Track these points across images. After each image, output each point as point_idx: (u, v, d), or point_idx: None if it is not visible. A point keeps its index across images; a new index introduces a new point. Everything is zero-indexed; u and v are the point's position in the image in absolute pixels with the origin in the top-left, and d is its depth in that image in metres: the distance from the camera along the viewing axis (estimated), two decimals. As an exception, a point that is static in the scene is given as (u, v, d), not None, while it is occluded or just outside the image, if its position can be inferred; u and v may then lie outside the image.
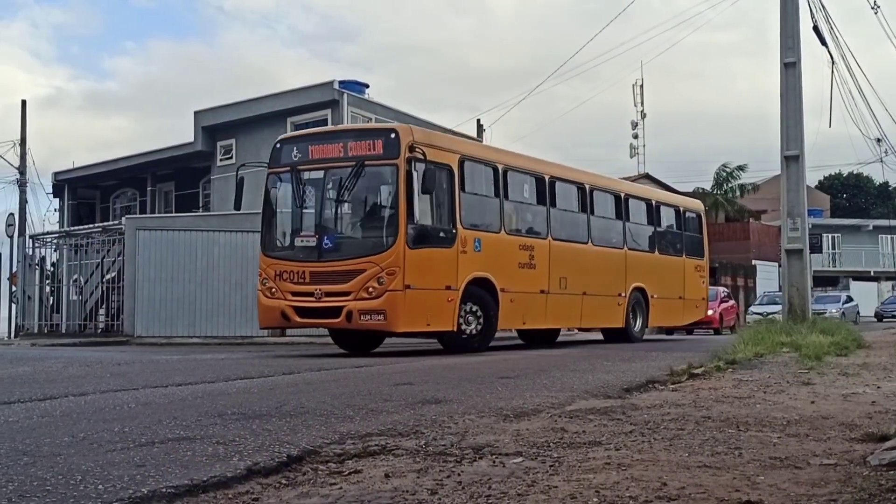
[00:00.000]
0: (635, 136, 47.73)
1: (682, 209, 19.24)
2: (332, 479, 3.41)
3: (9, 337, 25.03)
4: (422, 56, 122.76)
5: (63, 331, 23.00)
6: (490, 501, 3.02)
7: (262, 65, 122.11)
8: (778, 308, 29.12)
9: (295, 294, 11.96)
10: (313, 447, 4.00)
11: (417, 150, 11.75)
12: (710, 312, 24.62)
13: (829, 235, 53.36)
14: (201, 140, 28.98)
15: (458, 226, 12.49)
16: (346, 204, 12.29)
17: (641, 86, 47.86)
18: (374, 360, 11.01)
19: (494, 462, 3.70)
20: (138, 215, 29.22)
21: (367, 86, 28.03)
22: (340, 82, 26.70)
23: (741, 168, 48.31)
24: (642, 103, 47.79)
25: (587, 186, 15.87)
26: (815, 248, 33.68)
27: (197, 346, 17.13)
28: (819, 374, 7.78)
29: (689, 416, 5.07)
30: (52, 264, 24.63)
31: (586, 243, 15.67)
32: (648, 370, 8.59)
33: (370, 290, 11.52)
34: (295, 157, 12.47)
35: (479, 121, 33.62)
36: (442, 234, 12.37)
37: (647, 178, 41.88)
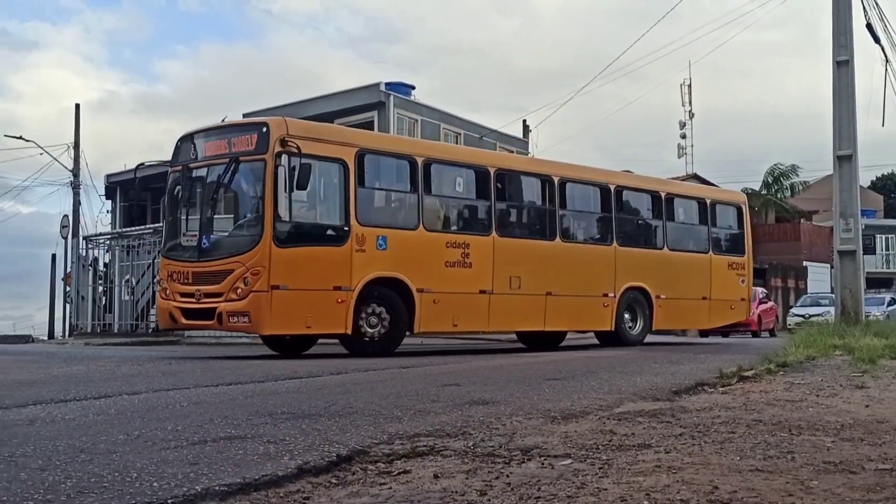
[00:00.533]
0: (683, 137, 47.22)
1: (709, 202, 17.49)
2: (382, 478, 3.44)
3: (63, 336, 25.53)
4: (467, 57, 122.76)
5: (115, 330, 23.36)
6: (539, 503, 3.02)
7: (310, 67, 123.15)
8: (821, 310, 28.70)
9: (182, 295, 11.82)
10: (362, 447, 4.02)
11: (290, 144, 11.26)
12: None
13: (883, 236, 52.34)
14: (250, 142, 29.27)
15: (353, 222, 11.87)
16: (222, 203, 12.02)
17: (689, 85, 47.32)
18: (419, 360, 11.03)
19: (543, 464, 3.69)
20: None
21: (414, 87, 28.13)
22: (387, 84, 26.82)
23: (794, 169, 47.57)
24: (690, 103, 47.26)
25: (555, 179, 14.69)
26: (869, 249, 33.10)
27: (245, 346, 17.30)
28: (873, 377, 7.65)
29: (740, 419, 5.02)
30: (105, 265, 25.03)
31: (552, 240, 14.60)
32: (697, 372, 8.51)
33: (238, 290, 11.22)
34: (190, 155, 12.27)
35: (524, 121, 33.64)
36: (330, 232, 11.91)
37: (696, 178, 41.45)
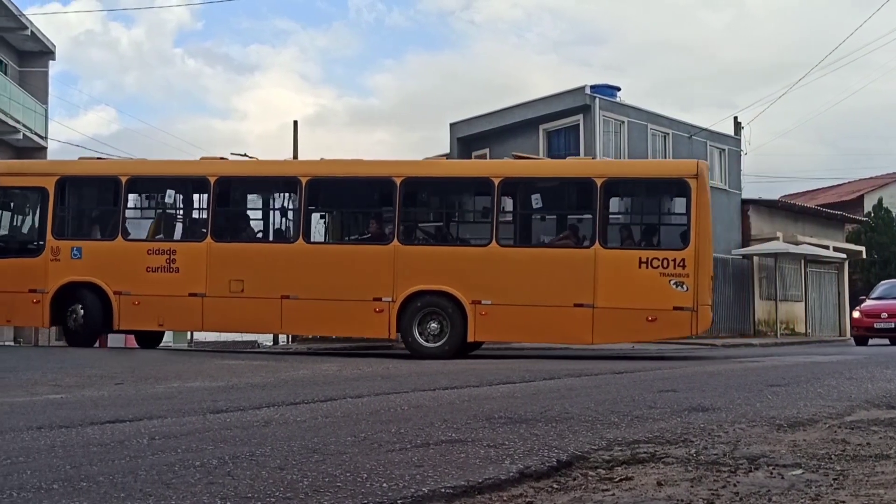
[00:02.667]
0: (912, 126, 44.03)
1: (601, 182, 13.40)
2: (604, 485, 3.42)
3: (287, 342, 26.98)
4: (675, 55, 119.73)
5: (333, 336, 24.42)
6: (771, 514, 2.92)
7: (515, 73, 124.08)
8: None
9: None
10: (581, 453, 4.02)
11: None
12: None
13: None
14: (457, 150, 29.88)
15: (49, 237, 14.69)
16: None
17: (918, 70, 44.09)
18: (633, 364, 10.89)
19: (772, 473, 3.56)
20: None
21: (619, 89, 27.76)
22: (592, 87, 26.62)
23: None
24: (919, 89, 44.00)
25: (302, 180, 14.22)
26: None
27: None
28: None
29: None
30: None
31: (293, 243, 14.34)
32: (937, 379, 7.93)
33: None
34: None
35: (735, 118, 32.34)
36: (26, 246, 15.14)
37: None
